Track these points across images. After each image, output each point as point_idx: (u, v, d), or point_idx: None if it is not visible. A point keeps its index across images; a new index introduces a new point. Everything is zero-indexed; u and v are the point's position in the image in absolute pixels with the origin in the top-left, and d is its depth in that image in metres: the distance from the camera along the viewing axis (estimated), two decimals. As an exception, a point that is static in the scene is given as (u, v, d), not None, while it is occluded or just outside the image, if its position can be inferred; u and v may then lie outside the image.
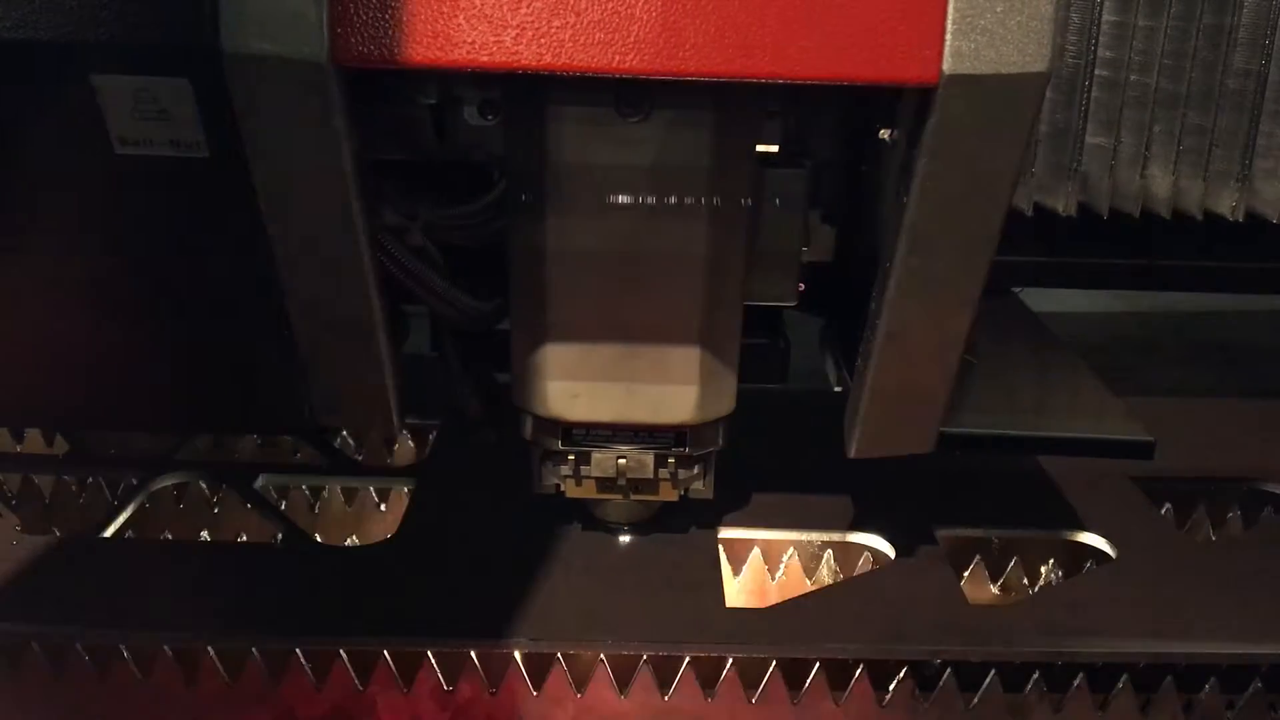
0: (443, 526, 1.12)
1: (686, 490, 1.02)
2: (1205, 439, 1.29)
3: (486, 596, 1.01)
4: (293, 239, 0.78)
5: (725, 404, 0.97)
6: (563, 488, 1.02)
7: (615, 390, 0.93)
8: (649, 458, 0.97)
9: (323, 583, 1.03)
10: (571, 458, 0.98)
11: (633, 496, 1.02)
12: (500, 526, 1.11)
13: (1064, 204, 1.14)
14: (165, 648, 0.95)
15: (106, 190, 0.78)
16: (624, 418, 0.95)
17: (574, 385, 0.93)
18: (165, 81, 0.71)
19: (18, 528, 1.18)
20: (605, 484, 1.00)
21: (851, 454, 0.90)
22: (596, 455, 0.97)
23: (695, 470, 1.01)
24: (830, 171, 0.92)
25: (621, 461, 0.97)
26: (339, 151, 0.72)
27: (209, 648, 0.95)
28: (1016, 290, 1.29)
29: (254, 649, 0.95)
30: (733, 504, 1.13)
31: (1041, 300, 1.29)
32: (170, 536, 1.20)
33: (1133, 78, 1.09)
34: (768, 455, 1.23)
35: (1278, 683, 0.98)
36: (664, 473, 0.98)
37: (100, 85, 0.71)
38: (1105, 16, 1.07)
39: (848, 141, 0.92)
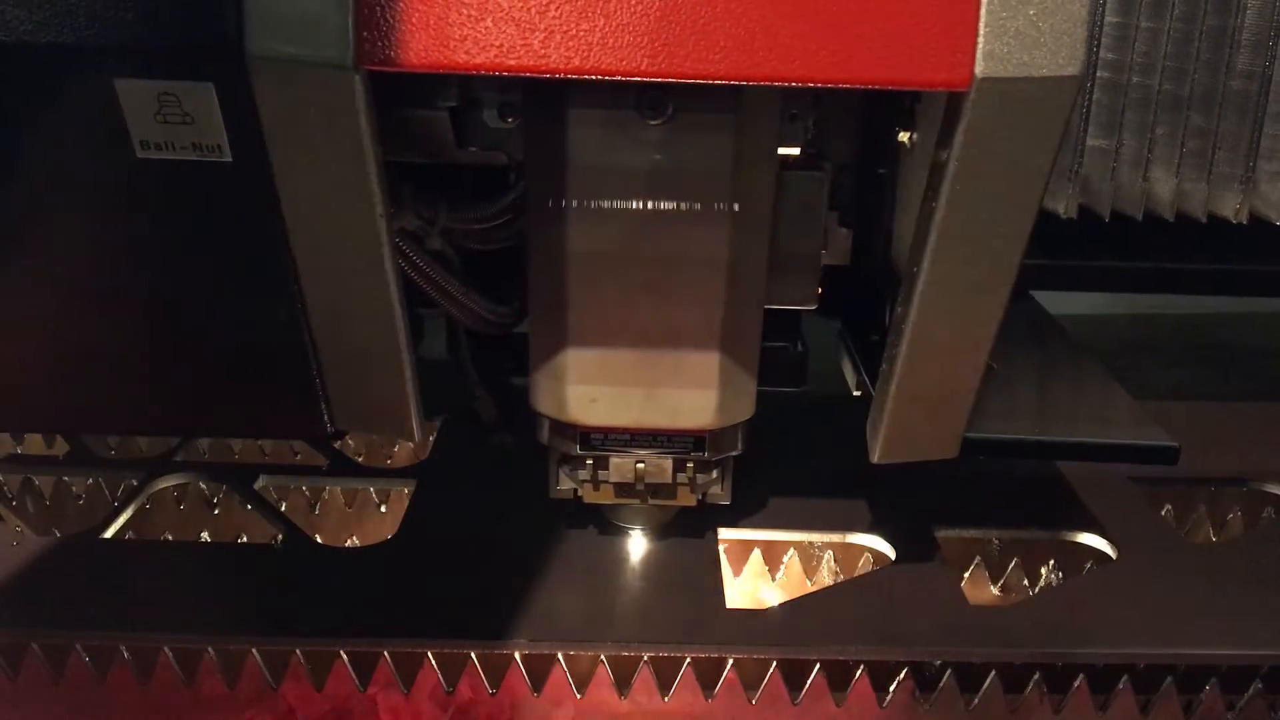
0: (443, 526, 1.12)
1: (704, 495, 1.02)
2: (1205, 439, 1.28)
3: (486, 596, 1.00)
4: (315, 244, 0.77)
5: (745, 408, 0.96)
6: (580, 492, 1.01)
7: (634, 395, 0.92)
8: (668, 463, 0.97)
9: (323, 583, 1.03)
10: (589, 462, 0.98)
11: (650, 501, 1.02)
12: (500, 526, 1.11)
13: (1065, 206, 1.13)
14: (165, 648, 0.95)
15: (127, 194, 0.77)
16: (643, 423, 0.94)
17: (593, 389, 0.92)
18: (189, 85, 0.70)
19: (18, 528, 1.18)
20: (623, 489, 0.99)
21: (875, 459, 0.89)
22: (615, 460, 0.97)
23: (714, 475, 1.00)
24: (847, 174, 0.92)
25: (640, 466, 0.97)
26: (363, 155, 0.71)
27: (209, 648, 0.95)
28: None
29: (254, 649, 0.95)
30: (734, 504, 1.13)
31: (1040, 302, 1.29)
32: (170, 537, 1.20)
33: (1135, 79, 1.08)
34: (767, 455, 1.22)
35: (1278, 683, 0.98)
36: (683, 478, 0.98)
37: (123, 89, 0.70)
38: (1107, 18, 1.07)
39: (866, 144, 0.91)
